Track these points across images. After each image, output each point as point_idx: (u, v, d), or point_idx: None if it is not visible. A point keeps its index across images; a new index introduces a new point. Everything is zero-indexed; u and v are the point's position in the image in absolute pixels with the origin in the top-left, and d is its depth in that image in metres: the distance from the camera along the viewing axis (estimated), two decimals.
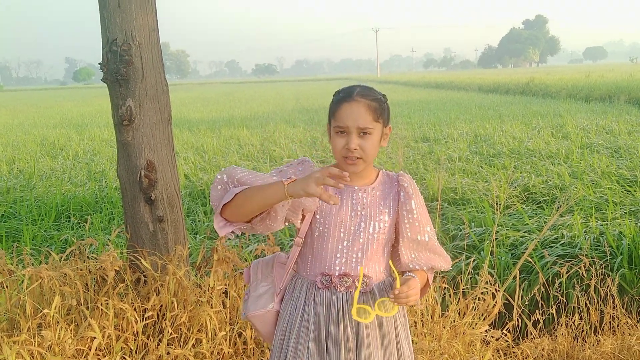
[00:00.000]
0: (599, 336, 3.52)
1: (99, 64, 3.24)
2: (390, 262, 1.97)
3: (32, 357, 2.58)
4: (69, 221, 6.42)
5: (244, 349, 3.06)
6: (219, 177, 1.87)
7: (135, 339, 2.90)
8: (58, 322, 2.74)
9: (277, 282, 2.05)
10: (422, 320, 3.24)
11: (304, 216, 1.93)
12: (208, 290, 3.12)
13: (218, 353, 2.96)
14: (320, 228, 1.93)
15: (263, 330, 2.06)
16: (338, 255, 1.92)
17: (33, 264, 3.11)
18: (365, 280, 1.93)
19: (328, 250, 1.93)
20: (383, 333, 1.94)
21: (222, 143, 12.98)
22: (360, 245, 1.92)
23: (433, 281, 3.42)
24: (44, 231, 5.94)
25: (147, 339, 2.96)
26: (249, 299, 2.07)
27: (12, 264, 3.11)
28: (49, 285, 2.88)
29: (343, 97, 1.87)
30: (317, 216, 1.92)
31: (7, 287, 2.95)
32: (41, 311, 2.77)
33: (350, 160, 1.85)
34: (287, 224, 1.92)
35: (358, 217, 1.92)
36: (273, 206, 1.78)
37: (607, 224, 4.92)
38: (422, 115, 18.10)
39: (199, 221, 6.21)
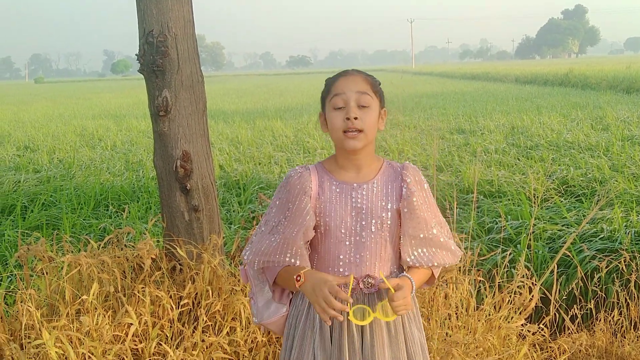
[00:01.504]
0: (639, 332, 3.43)
1: (136, 55, 3.28)
2: (380, 272, 1.86)
3: (71, 342, 2.64)
4: (107, 210, 6.55)
5: (277, 338, 3.08)
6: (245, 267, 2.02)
7: (170, 326, 2.95)
8: (96, 309, 2.80)
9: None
10: (456, 313, 3.21)
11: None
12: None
13: (252, 341, 2.98)
14: (322, 229, 1.86)
15: (277, 330, 2.03)
16: (341, 257, 1.86)
17: (72, 252, 3.17)
18: (370, 281, 1.85)
19: (330, 250, 1.87)
20: (390, 330, 1.87)
21: (257, 134, 13.06)
22: (362, 244, 1.85)
23: (468, 274, 3.40)
24: (83, 219, 6.07)
25: (183, 326, 3.00)
26: (257, 303, 2.01)
27: (52, 251, 3.17)
28: (87, 272, 2.93)
29: (337, 75, 1.87)
30: (318, 218, 1.85)
31: (47, 273, 3.02)
32: (80, 297, 2.83)
33: (350, 133, 1.78)
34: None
35: (358, 214, 1.84)
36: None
37: None
38: (458, 107, 17.89)
39: (233, 211, 6.27)
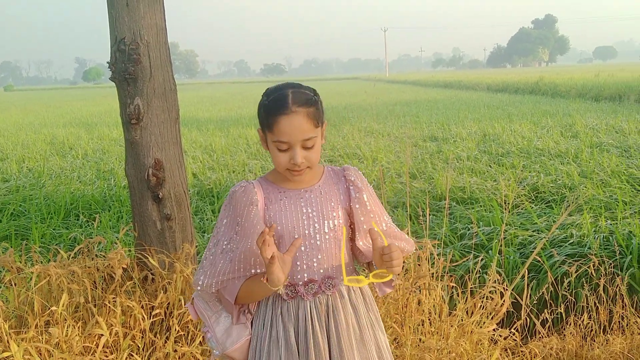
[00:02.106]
0: (608, 335, 3.49)
1: (107, 62, 3.25)
2: (373, 223, 1.88)
3: (40, 354, 2.59)
4: (78, 219, 6.46)
5: None
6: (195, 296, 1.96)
7: (142, 337, 2.91)
8: (66, 320, 2.75)
9: (232, 307, 1.92)
10: (429, 319, 3.23)
11: None
12: None
13: None
14: (275, 239, 1.82)
15: (241, 358, 1.94)
16: (298, 263, 1.84)
17: (42, 262, 3.12)
18: (329, 281, 1.85)
19: None
20: (355, 331, 1.87)
21: (231, 142, 13.01)
22: (318, 248, 1.85)
23: (441, 279, 3.43)
24: (53, 229, 5.97)
25: (155, 336, 2.97)
26: (215, 334, 1.92)
27: (20, 262, 3.12)
28: (57, 283, 2.89)
29: (278, 108, 1.72)
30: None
31: (15, 284, 2.96)
32: (49, 308, 2.79)
33: (296, 172, 1.78)
34: None
35: (309, 219, 1.84)
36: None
37: (616, 223, 4.89)
38: (431, 115, 18.06)
39: (207, 219, 6.23)
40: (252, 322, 1.95)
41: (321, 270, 1.86)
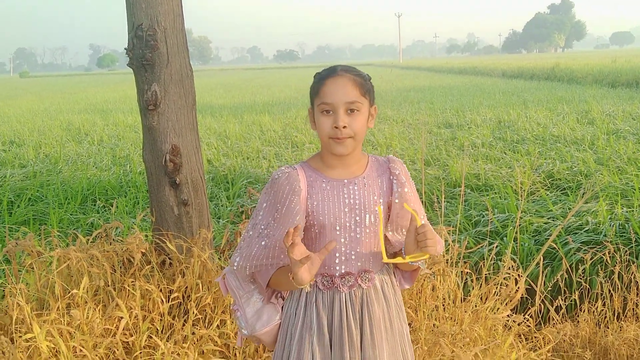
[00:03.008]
0: (622, 323, 3.49)
1: (125, 49, 3.28)
2: (405, 205, 1.82)
3: (62, 335, 2.65)
4: (95, 205, 6.54)
5: None
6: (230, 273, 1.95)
7: (161, 319, 2.96)
8: (86, 302, 2.81)
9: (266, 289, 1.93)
10: (443, 305, 3.25)
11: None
12: None
13: None
14: (316, 228, 1.82)
15: (270, 341, 1.96)
16: (337, 255, 1.82)
17: (60, 246, 3.17)
18: (366, 275, 1.85)
19: None
20: (386, 323, 1.87)
21: (245, 129, 13.04)
22: (358, 240, 1.83)
23: (455, 266, 3.45)
24: (70, 214, 6.05)
25: (173, 319, 3.02)
26: (245, 314, 1.92)
27: (40, 246, 3.17)
28: (77, 267, 2.94)
29: (326, 74, 1.78)
30: (310, 217, 1.81)
31: (36, 268, 3.02)
32: (69, 292, 2.84)
33: (338, 139, 1.74)
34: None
35: (352, 211, 1.81)
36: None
37: (632, 210, 4.87)
38: (445, 101, 17.97)
39: (221, 205, 6.28)
40: (283, 306, 1.95)
41: (359, 264, 1.84)
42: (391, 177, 1.88)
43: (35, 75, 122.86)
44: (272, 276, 1.85)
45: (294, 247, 1.62)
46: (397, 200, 1.86)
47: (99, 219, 5.64)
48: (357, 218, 1.82)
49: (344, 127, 1.73)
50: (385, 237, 1.91)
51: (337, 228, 1.81)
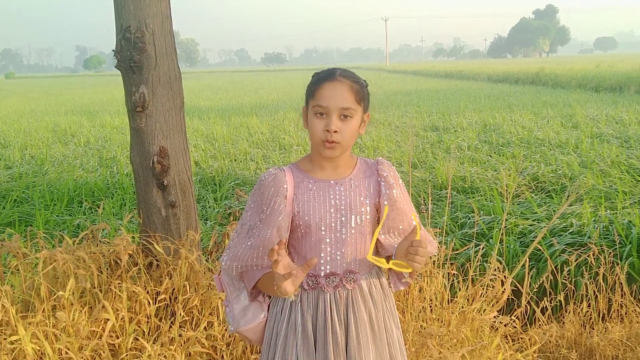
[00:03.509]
0: (607, 324, 3.54)
1: (113, 50, 3.27)
2: (413, 215, 1.84)
3: (47, 337, 2.63)
4: (81, 206, 6.49)
5: None
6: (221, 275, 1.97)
7: (148, 321, 2.95)
8: (72, 304, 2.79)
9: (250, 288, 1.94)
10: (430, 306, 3.27)
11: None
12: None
13: (230, 336, 3.00)
14: (302, 229, 1.83)
15: (254, 338, 1.99)
16: (322, 255, 1.84)
17: (47, 248, 3.15)
18: (351, 276, 1.85)
19: (312, 249, 1.84)
20: (373, 326, 1.87)
21: (232, 131, 13.02)
22: (343, 241, 1.83)
23: (442, 267, 3.47)
24: (57, 216, 6.01)
25: (160, 321, 3.01)
26: (233, 311, 1.95)
27: (25, 248, 3.15)
28: (63, 269, 2.92)
29: (324, 76, 1.78)
30: (296, 217, 1.82)
31: (21, 269, 2.99)
32: (55, 294, 2.82)
33: (328, 143, 1.76)
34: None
35: (338, 212, 1.82)
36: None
37: (616, 213, 4.93)
38: (432, 105, 18.06)
39: (209, 207, 6.26)
40: (269, 305, 1.96)
41: (344, 264, 1.85)
42: (379, 179, 1.89)
43: (21, 76, 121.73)
44: (260, 279, 1.86)
45: (277, 263, 1.62)
46: (386, 202, 1.86)
47: (86, 221, 5.61)
48: (343, 218, 1.83)
49: (335, 131, 1.74)
50: (378, 240, 1.91)
51: (322, 228, 1.82)
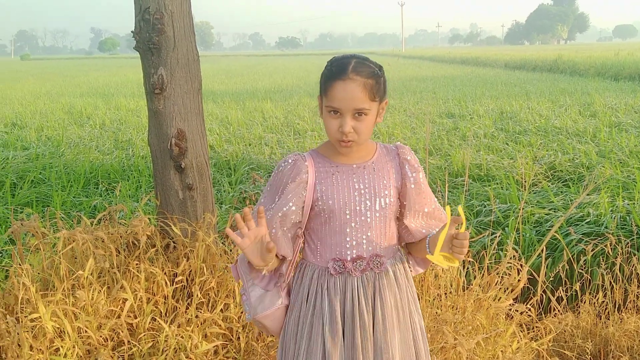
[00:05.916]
0: (623, 314, 3.52)
1: (132, 32, 3.27)
2: (459, 208, 1.80)
3: (67, 316, 2.67)
4: (97, 188, 6.54)
5: None
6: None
7: (165, 302, 2.98)
8: (91, 284, 2.82)
9: (272, 276, 1.94)
10: (445, 293, 3.27)
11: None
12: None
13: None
14: (326, 214, 1.82)
15: (272, 327, 1.96)
16: (348, 239, 1.83)
17: (65, 228, 3.18)
18: (377, 259, 1.86)
19: (336, 234, 1.84)
20: (398, 311, 1.88)
21: (247, 115, 13.03)
22: (368, 225, 1.83)
23: None
24: (73, 197, 6.06)
25: (177, 302, 3.04)
26: (250, 299, 1.93)
27: (44, 228, 3.18)
28: (82, 249, 2.95)
29: (336, 73, 1.71)
30: (319, 202, 1.82)
31: (41, 249, 3.03)
32: (74, 273, 2.85)
33: (344, 143, 1.75)
34: (299, 239, 1.89)
35: (361, 195, 1.82)
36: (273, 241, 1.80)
37: (634, 203, 4.88)
38: (447, 91, 17.94)
39: (224, 191, 6.29)
40: (290, 293, 1.96)
41: (370, 248, 1.85)
42: (402, 163, 1.89)
43: (36, 58, 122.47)
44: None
45: (235, 235, 1.69)
46: (412, 186, 1.87)
47: (102, 202, 5.65)
48: (368, 202, 1.83)
49: (350, 132, 1.72)
50: (406, 226, 1.92)
51: (347, 212, 1.82)
